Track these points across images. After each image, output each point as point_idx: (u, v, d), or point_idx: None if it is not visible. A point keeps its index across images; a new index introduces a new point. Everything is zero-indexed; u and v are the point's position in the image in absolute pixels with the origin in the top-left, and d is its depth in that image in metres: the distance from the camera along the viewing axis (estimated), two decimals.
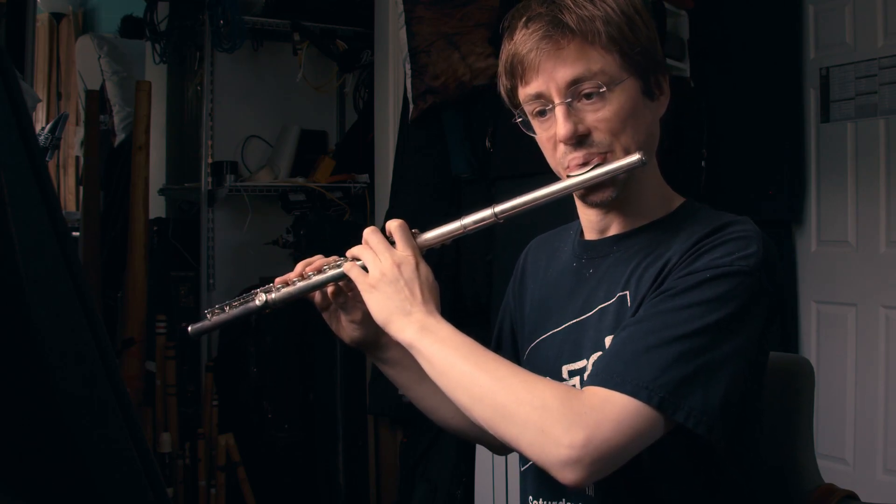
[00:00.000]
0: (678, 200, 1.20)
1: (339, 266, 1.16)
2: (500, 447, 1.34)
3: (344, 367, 3.20)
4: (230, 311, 1.20)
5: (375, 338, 1.25)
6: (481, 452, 2.54)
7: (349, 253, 1.15)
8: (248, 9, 3.36)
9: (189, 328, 1.22)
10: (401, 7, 2.93)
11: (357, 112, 3.73)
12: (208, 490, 2.82)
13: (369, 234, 1.13)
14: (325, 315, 1.25)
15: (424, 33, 2.86)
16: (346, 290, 1.21)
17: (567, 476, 0.94)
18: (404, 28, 2.90)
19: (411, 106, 2.93)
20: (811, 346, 2.90)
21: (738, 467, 1.11)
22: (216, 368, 3.06)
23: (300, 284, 1.18)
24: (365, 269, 1.11)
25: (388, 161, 3.19)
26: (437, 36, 2.85)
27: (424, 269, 1.10)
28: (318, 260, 1.20)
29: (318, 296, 1.21)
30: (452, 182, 2.89)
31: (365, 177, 3.55)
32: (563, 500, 1.16)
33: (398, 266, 1.09)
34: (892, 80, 2.66)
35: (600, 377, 0.99)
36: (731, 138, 2.81)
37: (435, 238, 1.14)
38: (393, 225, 1.13)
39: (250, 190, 3.41)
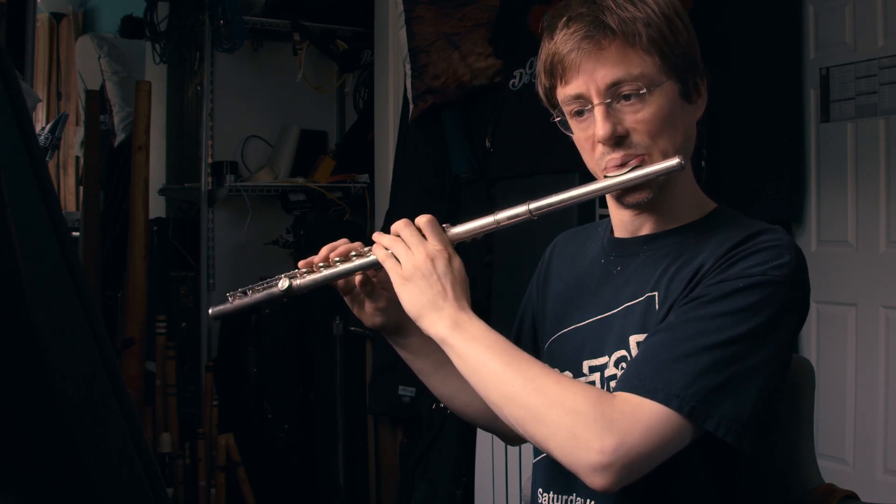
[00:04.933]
0: (710, 205, 1.20)
1: (366, 254, 1.15)
2: (514, 437, 1.34)
3: (344, 367, 3.20)
4: (252, 296, 1.18)
5: (397, 323, 1.24)
6: (481, 452, 2.54)
7: (378, 241, 1.14)
8: (248, 9, 3.36)
9: (210, 310, 1.21)
10: (401, 7, 2.93)
11: (357, 112, 3.73)
12: (208, 490, 2.82)
13: (401, 226, 1.12)
14: (346, 298, 1.24)
15: (424, 33, 2.86)
16: (371, 278, 1.20)
17: (596, 481, 0.95)
18: (404, 28, 2.90)
19: (411, 106, 2.93)
20: (811, 346, 2.90)
21: (753, 470, 1.12)
22: (216, 368, 3.06)
23: (326, 272, 1.16)
24: (398, 260, 1.10)
25: (388, 161, 3.19)
26: (437, 36, 2.85)
27: (457, 263, 1.10)
28: (344, 245, 1.18)
29: (341, 281, 1.20)
30: (452, 182, 2.90)
31: (365, 177, 3.55)
32: (574, 493, 1.16)
33: (431, 260, 1.08)
34: (892, 80, 2.66)
35: (631, 383, 1.00)
36: (731, 138, 2.80)
37: (466, 232, 1.13)
38: (422, 220, 1.12)
39: (250, 190, 3.41)
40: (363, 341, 3.23)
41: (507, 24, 2.79)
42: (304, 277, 1.16)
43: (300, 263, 1.19)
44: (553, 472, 1.18)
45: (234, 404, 3.19)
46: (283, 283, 1.16)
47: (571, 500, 1.17)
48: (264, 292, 1.17)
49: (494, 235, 2.72)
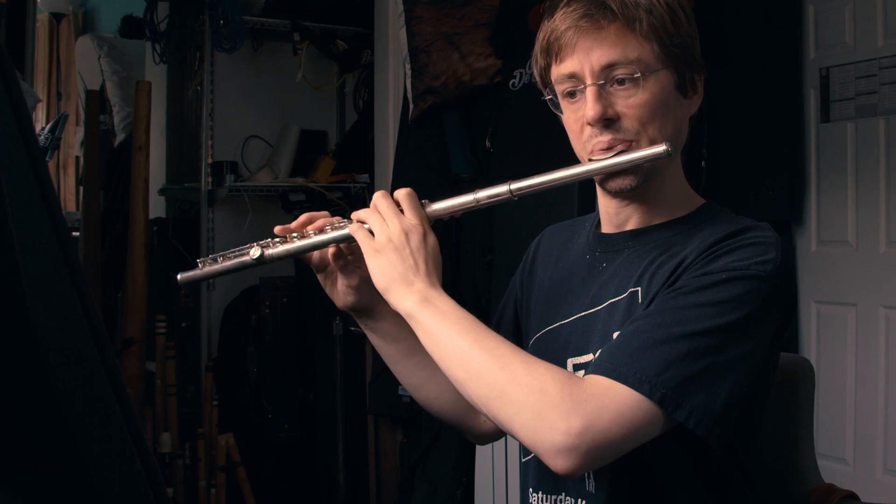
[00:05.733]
0: (699, 201, 1.19)
1: (342, 227, 1.12)
2: (480, 436, 1.32)
3: (344, 367, 3.20)
4: (223, 263, 1.15)
5: (370, 305, 1.21)
6: (481, 453, 2.54)
7: (355, 216, 1.11)
8: (248, 9, 3.36)
9: (178, 276, 1.17)
10: (401, 7, 2.93)
11: (357, 112, 3.73)
12: (208, 490, 2.82)
13: (379, 198, 1.10)
14: (319, 276, 1.21)
15: (424, 33, 2.86)
16: (346, 253, 1.18)
17: (559, 463, 0.92)
18: (404, 28, 2.90)
19: (411, 106, 2.93)
20: (811, 346, 2.90)
21: (740, 469, 1.11)
22: (216, 368, 3.06)
23: (299, 242, 1.14)
24: (371, 233, 1.08)
25: (388, 161, 3.19)
26: (437, 36, 2.85)
27: (432, 239, 1.07)
28: (323, 217, 1.16)
29: (315, 255, 1.18)
30: (452, 182, 2.89)
31: (365, 177, 3.55)
32: (563, 493, 1.15)
33: (406, 233, 1.05)
34: (892, 80, 2.66)
35: (603, 366, 0.97)
36: (730, 138, 2.80)
37: (445, 209, 1.11)
38: (401, 193, 1.10)
39: (250, 190, 3.41)
40: (363, 341, 3.23)
41: (507, 24, 2.79)
42: (276, 247, 1.14)
43: (276, 230, 1.16)
44: (542, 472, 1.17)
45: (234, 404, 3.19)
46: (255, 252, 1.13)
47: (561, 500, 1.16)
48: (235, 260, 1.15)
49: (495, 234, 2.72)
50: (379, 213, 1.08)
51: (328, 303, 1.25)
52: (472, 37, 2.82)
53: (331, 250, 1.17)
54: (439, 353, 1.02)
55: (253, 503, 2.91)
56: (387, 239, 1.05)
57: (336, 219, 1.16)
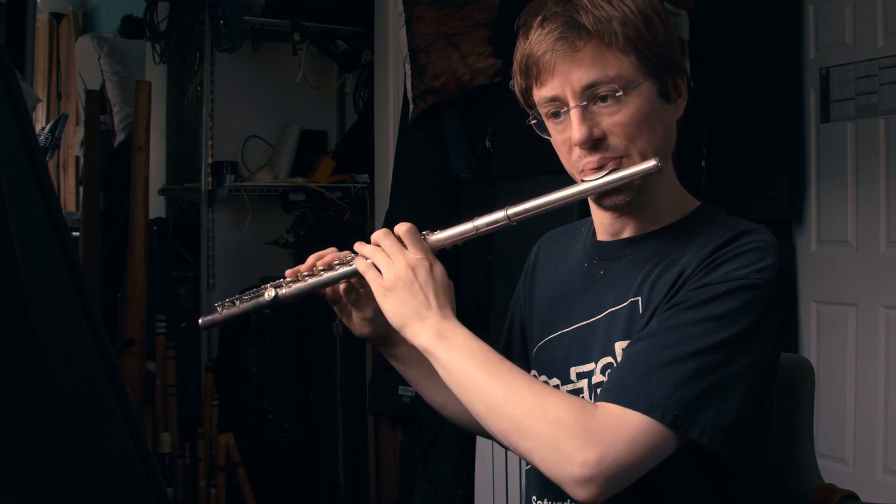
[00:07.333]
0: (693, 204, 1.18)
1: (350, 263, 1.15)
2: None
3: (344, 367, 3.20)
4: (240, 306, 1.20)
5: (385, 334, 1.24)
6: (481, 453, 2.54)
7: (359, 251, 1.13)
8: (248, 9, 3.36)
9: (200, 321, 1.23)
10: (401, 7, 2.93)
11: (357, 112, 3.73)
12: (208, 490, 2.82)
13: (381, 237, 1.11)
14: (335, 308, 1.24)
15: (424, 33, 2.86)
16: (357, 287, 1.20)
17: (580, 493, 0.94)
18: (404, 28, 2.90)
19: (411, 106, 2.93)
20: (811, 346, 2.90)
21: (745, 475, 1.11)
22: (216, 368, 3.06)
23: (311, 281, 1.17)
24: (378, 270, 1.10)
25: (388, 161, 3.19)
26: (437, 36, 2.85)
27: (439, 270, 1.09)
28: (330, 254, 1.18)
29: (329, 290, 1.21)
30: (452, 182, 2.89)
31: (365, 177, 3.55)
32: (568, 500, 1.15)
33: (413, 269, 1.07)
34: (892, 80, 2.66)
35: (613, 393, 0.99)
36: (730, 138, 2.81)
37: (446, 239, 1.13)
38: (402, 229, 1.11)
39: (250, 190, 3.41)
40: (363, 341, 3.22)
41: (507, 25, 2.78)
42: (289, 287, 1.18)
43: (287, 273, 1.19)
44: (546, 480, 1.17)
45: (234, 404, 3.19)
46: (270, 293, 1.18)
47: None
48: (252, 302, 1.20)
49: (496, 234, 2.72)
50: (383, 250, 1.10)
51: (328, 303, 1.26)
52: (472, 37, 2.82)
53: (342, 286, 1.20)
54: (458, 387, 1.04)
55: (253, 503, 2.91)
56: (395, 277, 1.07)
57: (344, 253, 1.18)
